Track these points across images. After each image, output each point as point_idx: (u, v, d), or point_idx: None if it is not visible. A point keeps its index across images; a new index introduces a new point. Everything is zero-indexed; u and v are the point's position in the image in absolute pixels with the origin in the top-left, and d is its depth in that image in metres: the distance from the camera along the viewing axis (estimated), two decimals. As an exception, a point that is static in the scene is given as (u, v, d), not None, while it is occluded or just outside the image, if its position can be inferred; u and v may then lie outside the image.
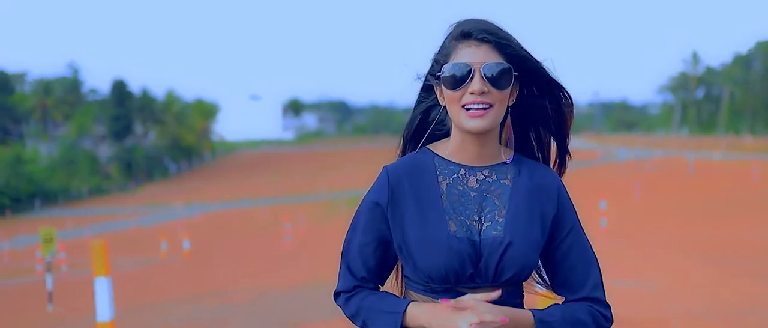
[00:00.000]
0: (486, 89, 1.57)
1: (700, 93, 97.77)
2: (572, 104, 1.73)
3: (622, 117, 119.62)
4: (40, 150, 72.42)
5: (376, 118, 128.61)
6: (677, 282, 7.96)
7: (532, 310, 1.63)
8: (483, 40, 1.58)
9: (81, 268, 19.65)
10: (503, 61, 1.58)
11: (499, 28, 1.61)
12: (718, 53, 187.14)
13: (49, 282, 10.46)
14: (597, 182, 31.23)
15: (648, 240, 13.41)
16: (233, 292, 9.91)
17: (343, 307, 1.75)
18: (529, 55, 1.62)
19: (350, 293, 1.73)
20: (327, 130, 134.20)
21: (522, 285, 1.71)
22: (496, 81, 1.57)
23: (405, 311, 1.62)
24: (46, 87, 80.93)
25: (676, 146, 54.60)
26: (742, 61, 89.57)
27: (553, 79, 1.67)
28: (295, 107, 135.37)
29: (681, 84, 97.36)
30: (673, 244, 12.51)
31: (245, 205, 46.24)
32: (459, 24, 1.63)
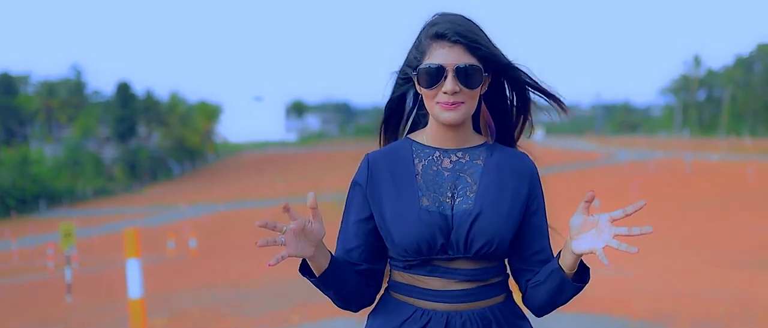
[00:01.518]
0: (458, 89, 1.65)
1: (701, 95, 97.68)
2: (546, 90, 1.80)
3: (624, 119, 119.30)
4: (45, 151, 72.85)
5: (378, 120, 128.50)
6: (654, 270, 8.46)
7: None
8: (456, 42, 1.66)
9: (91, 265, 20.11)
10: (475, 62, 1.67)
11: (471, 27, 1.69)
12: (719, 55, 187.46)
13: (68, 274, 10.96)
14: (596, 183, 31.68)
15: (639, 236, 13.86)
16: (244, 282, 10.43)
17: None
18: (500, 53, 1.72)
19: None
20: (330, 131, 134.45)
21: (503, 264, 1.78)
22: (467, 81, 1.66)
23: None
24: (50, 89, 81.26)
25: (676, 148, 54.79)
26: (744, 64, 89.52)
27: (521, 72, 1.77)
28: (298, 109, 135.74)
29: (682, 86, 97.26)
30: (663, 239, 12.97)
31: (249, 206, 46.56)
32: (434, 23, 1.71)
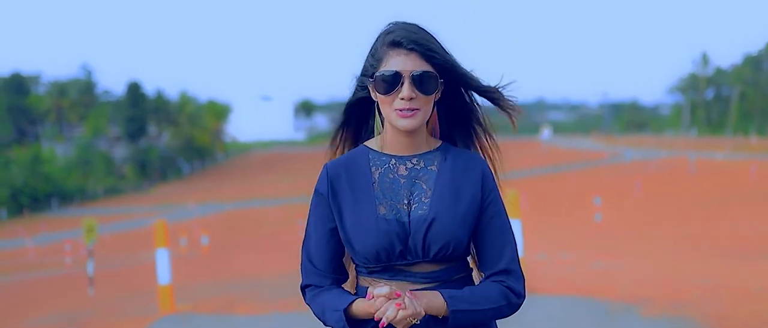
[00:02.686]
0: (414, 95, 1.71)
1: (709, 94, 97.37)
2: (503, 99, 1.83)
3: (632, 118, 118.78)
4: (56, 151, 73.58)
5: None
6: (644, 263, 8.95)
7: (440, 290, 1.72)
8: (411, 50, 1.72)
9: (105, 262, 20.61)
10: (430, 69, 1.72)
11: (426, 36, 1.75)
12: (728, 53, 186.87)
13: (90, 268, 11.50)
14: (599, 182, 32.08)
15: (638, 232, 14.31)
16: (256, 275, 10.98)
17: (310, 304, 1.85)
18: (454, 61, 1.77)
19: (314, 290, 1.83)
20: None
21: (465, 261, 1.82)
22: (423, 87, 1.72)
23: (348, 307, 1.72)
24: (60, 89, 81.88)
25: (683, 147, 54.84)
26: (752, 62, 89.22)
27: (475, 81, 1.81)
28: (306, 108, 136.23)
29: (691, 85, 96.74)
30: (659, 236, 13.40)
31: (258, 205, 47.04)
32: (389, 31, 1.77)
